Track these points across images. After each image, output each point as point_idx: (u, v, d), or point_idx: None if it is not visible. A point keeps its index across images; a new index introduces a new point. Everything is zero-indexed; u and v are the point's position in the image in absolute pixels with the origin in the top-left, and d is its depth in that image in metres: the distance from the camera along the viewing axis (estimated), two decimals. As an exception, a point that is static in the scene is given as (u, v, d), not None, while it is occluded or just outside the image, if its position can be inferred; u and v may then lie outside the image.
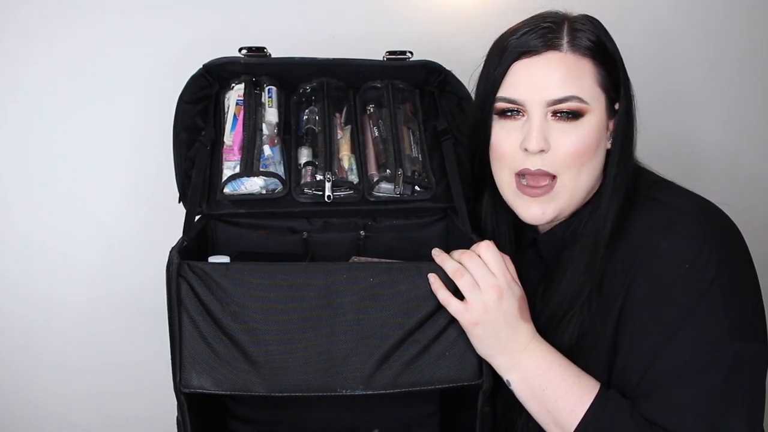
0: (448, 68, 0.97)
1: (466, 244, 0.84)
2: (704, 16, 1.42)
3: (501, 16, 1.31)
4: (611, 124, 0.81)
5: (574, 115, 0.76)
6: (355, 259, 0.96)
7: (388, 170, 0.93)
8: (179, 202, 0.94)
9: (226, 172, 0.91)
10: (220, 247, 0.97)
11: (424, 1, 1.33)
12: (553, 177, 0.78)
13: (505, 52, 0.79)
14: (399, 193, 0.93)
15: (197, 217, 0.92)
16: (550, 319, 0.81)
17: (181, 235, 0.83)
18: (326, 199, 0.91)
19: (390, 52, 0.98)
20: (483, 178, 0.88)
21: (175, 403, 0.78)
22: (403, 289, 0.75)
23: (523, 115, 0.78)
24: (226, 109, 0.96)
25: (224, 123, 0.95)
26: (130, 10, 1.24)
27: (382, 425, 1.02)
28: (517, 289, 0.76)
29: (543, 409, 0.74)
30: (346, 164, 0.95)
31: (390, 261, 0.91)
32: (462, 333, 0.76)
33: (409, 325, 0.75)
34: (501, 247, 0.79)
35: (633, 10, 1.37)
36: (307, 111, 0.98)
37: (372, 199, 0.94)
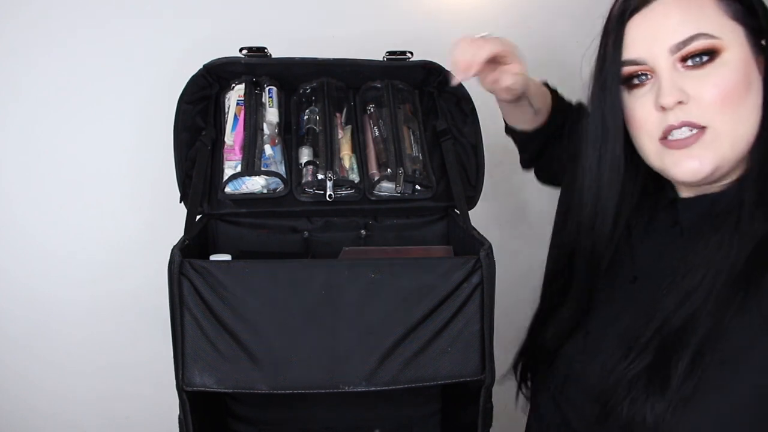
0: (447, 68, 0.97)
1: (467, 243, 0.85)
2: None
3: (501, 16, 1.32)
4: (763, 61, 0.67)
5: (707, 54, 0.64)
6: (347, 248, 0.94)
7: (389, 169, 0.93)
8: (180, 201, 0.94)
9: (227, 172, 0.91)
10: (221, 247, 0.98)
11: (424, 2, 1.33)
12: (702, 128, 0.65)
13: (614, 20, 0.70)
14: (400, 192, 0.93)
15: (198, 217, 0.92)
16: (681, 303, 0.65)
17: (182, 235, 0.83)
18: (327, 198, 0.91)
19: (390, 53, 0.98)
20: None
21: (175, 403, 0.78)
22: (405, 284, 0.75)
23: (651, 77, 0.68)
24: (226, 110, 0.96)
25: (225, 123, 0.95)
26: (131, 10, 1.24)
27: (383, 425, 1.02)
28: None
29: None
30: (346, 164, 0.96)
31: (383, 248, 0.89)
32: (464, 328, 0.76)
33: (411, 321, 0.75)
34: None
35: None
36: (307, 111, 0.98)
37: (373, 198, 0.94)
